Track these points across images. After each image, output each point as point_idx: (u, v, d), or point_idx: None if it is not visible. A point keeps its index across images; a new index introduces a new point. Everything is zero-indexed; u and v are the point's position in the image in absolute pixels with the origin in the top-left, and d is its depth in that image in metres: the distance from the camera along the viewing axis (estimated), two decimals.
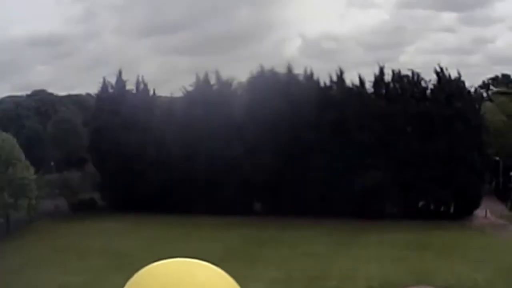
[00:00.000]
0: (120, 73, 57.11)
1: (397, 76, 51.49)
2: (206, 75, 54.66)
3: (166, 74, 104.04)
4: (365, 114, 49.33)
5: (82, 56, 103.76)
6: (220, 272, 1.46)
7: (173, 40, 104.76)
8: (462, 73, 51.95)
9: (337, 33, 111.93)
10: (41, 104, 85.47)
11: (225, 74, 56.26)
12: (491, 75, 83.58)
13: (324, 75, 53.93)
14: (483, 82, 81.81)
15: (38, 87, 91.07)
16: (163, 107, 56.53)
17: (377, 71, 52.07)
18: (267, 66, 54.20)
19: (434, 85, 51.89)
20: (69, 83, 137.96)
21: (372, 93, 51.72)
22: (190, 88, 55.23)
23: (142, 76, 57.91)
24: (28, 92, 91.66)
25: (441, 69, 51.63)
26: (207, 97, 52.41)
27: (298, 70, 54.44)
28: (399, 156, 49.05)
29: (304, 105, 49.60)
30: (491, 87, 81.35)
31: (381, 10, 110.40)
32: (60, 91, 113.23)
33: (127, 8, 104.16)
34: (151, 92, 58.21)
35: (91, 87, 57.02)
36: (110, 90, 57.33)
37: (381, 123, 49.19)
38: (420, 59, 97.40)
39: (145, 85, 57.27)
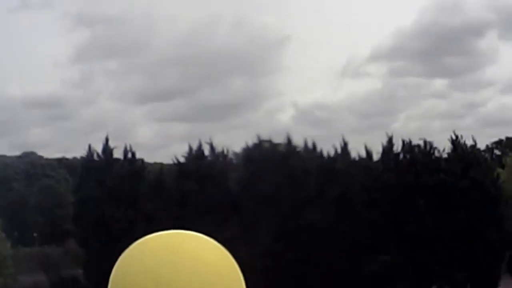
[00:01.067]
0: (107, 140, 53.03)
1: (408, 146, 47.56)
2: (200, 145, 50.78)
3: (161, 140, 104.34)
4: (373, 189, 45.34)
5: (78, 120, 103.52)
6: (215, 243, 1.43)
7: (168, 107, 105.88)
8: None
9: (329, 102, 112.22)
10: (30, 167, 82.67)
11: (220, 142, 53.53)
12: (489, 138, 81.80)
13: (318, 142, 50.46)
14: (487, 146, 78.52)
15: (32, 148, 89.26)
16: (153, 179, 52.42)
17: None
18: (262, 134, 50.52)
19: (448, 154, 47.95)
20: (63, 147, 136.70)
21: (380, 165, 47.69)
22: (182, 159, 51.33)
23: (130, 144, 53.96)
24: (19, 153, 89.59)
25: (457, 136, 47.60)
26: (200, 169, 48.56)
27: (293, 139, 50.60)
28: (411, 234, 44.75)
29: (306, 179, 45.78)
30: (495, 151, 78.62)
31: (373, 79, 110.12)
32: (54, 153, 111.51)
33: (124, 74, 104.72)
34: (140, 161, 54.14)
35: (85, 152, 53.44)
36: (96, 158, 53.35)
37: (390, 198, 45.11)
38: (413, 125, 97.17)
39: (134, 153, 53.26)
